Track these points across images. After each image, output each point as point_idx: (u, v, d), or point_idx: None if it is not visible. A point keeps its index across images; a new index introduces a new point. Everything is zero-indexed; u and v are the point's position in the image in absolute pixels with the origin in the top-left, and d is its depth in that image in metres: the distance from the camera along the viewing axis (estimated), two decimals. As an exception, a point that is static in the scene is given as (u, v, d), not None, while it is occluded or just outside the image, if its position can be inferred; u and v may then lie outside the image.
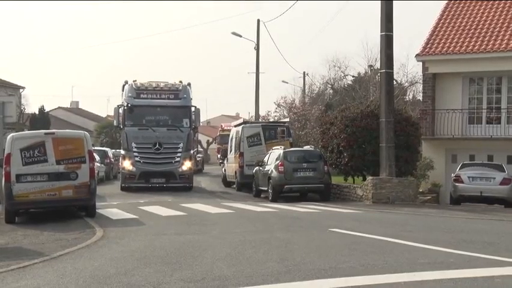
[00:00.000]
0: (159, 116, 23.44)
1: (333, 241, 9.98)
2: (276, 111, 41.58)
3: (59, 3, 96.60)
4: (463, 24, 25.06)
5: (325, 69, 63.53)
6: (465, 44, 24.01)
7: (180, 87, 23.55)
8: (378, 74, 22.43)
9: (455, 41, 24.37)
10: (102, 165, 28.66)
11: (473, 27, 24.67)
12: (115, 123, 24.34)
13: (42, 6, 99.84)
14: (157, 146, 22.74)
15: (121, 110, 23.29)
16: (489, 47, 23.46)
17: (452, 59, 23.95)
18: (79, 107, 68.78)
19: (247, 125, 25.73)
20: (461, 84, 24.18)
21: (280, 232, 11.15)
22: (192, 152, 25.44)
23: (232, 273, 7.43)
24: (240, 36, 37.61)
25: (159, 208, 15.90)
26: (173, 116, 23.31)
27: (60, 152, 13.73)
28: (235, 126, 27.20)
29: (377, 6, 18.66)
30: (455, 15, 25.73)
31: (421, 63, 24.95)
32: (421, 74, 26.11)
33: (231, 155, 26.36)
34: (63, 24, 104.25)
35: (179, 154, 23.01)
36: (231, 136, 27.17)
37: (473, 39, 24.08)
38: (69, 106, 67.11)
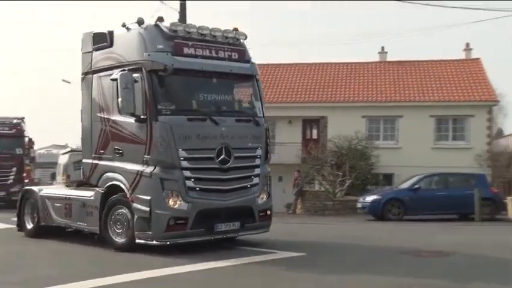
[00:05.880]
0: (218, 94, 10.31)
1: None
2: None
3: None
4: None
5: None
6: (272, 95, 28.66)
7: (242, 39, 10.60)
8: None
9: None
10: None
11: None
12: (125, 108, 9.34)
13: None
14: (223, 154, 9.74)
15: (139, 80, 9.36)
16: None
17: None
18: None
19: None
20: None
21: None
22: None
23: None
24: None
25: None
26: (240, 93, 10.84)
27: None
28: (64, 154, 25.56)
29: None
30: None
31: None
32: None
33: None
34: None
35: (257, 170, 10.24)
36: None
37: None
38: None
